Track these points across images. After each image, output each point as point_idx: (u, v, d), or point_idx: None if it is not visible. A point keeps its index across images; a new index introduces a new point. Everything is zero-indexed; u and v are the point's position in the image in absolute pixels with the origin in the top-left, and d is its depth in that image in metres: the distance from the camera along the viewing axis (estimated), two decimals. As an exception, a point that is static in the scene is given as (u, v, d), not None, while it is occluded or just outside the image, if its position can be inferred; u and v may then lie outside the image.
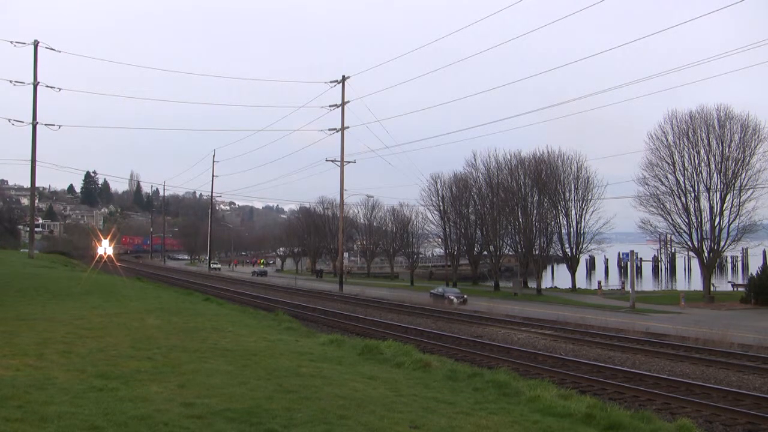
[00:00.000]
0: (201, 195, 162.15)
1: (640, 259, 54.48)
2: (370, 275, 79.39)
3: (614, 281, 67.93)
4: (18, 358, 9.52)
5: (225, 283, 54.53)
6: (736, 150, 38.69)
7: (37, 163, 46.58)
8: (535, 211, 51.08)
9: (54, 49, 46.19)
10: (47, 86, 46.49)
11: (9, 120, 46.38)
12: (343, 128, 47.28)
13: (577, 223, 52.26)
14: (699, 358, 17.95)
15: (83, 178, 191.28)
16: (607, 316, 29.64)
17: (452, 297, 39.28)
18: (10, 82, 46.37)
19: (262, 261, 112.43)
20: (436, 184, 59.48)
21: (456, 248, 59.23)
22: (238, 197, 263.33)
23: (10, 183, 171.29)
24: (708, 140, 39.30)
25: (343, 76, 47.05)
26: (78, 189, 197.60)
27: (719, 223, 39.08)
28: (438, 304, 37.62)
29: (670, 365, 17.11)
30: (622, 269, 74.60)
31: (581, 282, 64.44)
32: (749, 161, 38.64)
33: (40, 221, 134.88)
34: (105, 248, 58.52)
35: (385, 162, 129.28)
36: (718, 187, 39.01)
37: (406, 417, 7.61)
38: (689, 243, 40.31)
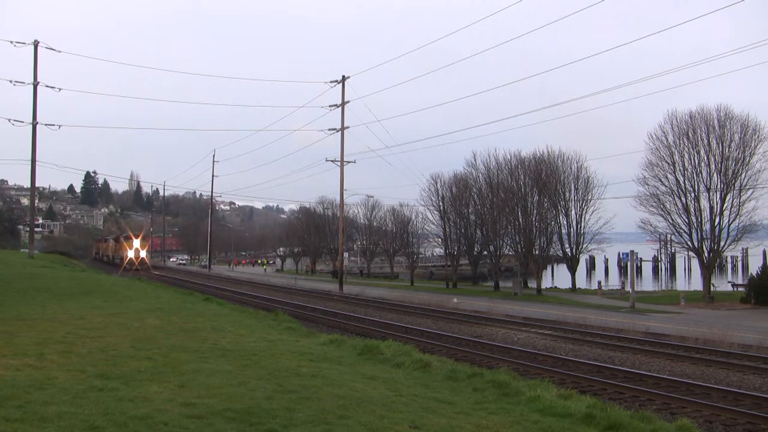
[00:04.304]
0: (201, 195, 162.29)
1: (640, 259, 54.61)
2: (370, 275, 79.37)
3: (614, 281, 67.87)
4: (18, 358, 9.53)
5: (225, 283, 54.50)
6: (736, 150, 38.63)
7: (37, 163, 46.65)
8: (535, 211, 51.01)
9: (54, 49, 46.30)
10: (47, 86, 46.59)
11: (9, 120, 46.48)
12: (343, 128, 47.28)
13: (577, 223, 52.22)
14: (699, 358, 17.93)
15: (83, 178, 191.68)
16: (607, 316, 29.62)
17: None
18: (10, 82, 46.48)
19: (261, 261, 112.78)
20: (436, 184, 59.43)
21: (456, 248, 59.17)
22: (238, 197, 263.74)
23: (10, 183, 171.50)
24: (708, 140, 39.24)
25: (343, 76, 47.04)
26: (78, 189, 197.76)
27: (719, 223, 39.02)
28: None
29: (670, 365, 17.10)
30: (622, 269, 74.58)
31: (581, 282, 64.39)
32: (749, 161, 38.57)
33: (40, 221, 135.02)
34: (137, 250, 50.89)
35: (385, 162, 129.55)
36: (718, 187, 38.95)
37: (406, 417, 7.61)
38: (689, 243, 40.26)
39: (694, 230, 39.84)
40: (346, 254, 63.51)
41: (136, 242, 50.60)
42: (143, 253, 50.83)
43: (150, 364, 9.59)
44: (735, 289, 46.48)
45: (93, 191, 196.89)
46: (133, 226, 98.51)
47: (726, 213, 38.94)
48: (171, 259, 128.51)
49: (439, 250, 75.88)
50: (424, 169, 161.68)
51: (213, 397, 7.67)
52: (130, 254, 49.80)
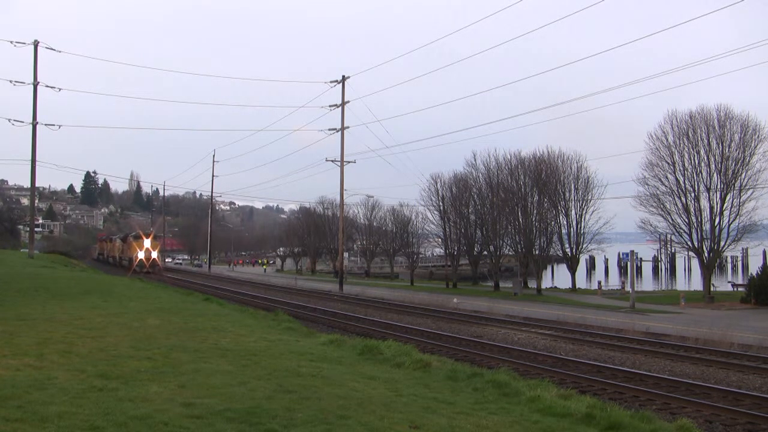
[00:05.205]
0: (201, 195, 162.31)
1: (640, 259, 54.49)
2: (370, 275, 79.38)
3: (614, 281, 67.90)
4: (18, 358, 9.53)
5: (225, 283, 54.47)
6: (736, 150, 38.65)
7: (37, 163, 46.59)
8: (535, 211, 51.02)
9: (54, 49, 46.26)
10: (47, 86, 46.54)
11: (9, 120, 46.43)
12: (343, 128, 47.29)
13: (577, 223, 52.26)
14: (699, 358, 17.93)
15: (83, 178, 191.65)
16: (607, 316, 29.63)
17: None
18: (10, 82, 46.45)
19: (261, 261, 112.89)
20: (436, 184, 59.43)
21: (456, 248, 59.17)
22: (238, 197, 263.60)
23: (10, 183, 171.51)
24: (708, 140, 39.26)
25: (343, 76, 47.05)
26: (78, 189, 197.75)
27: (719, 223, 39.04)
28: None
29: (670, 365, 17.10)
30: (622, 269, 74.63)
31: (581, 282, 64.40)
32: (749, 161, 38.60)
33: (40, 221, 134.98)
34: (148, 250, 46.12)
35: (385, 162, 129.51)
36: (718, 187, 38.98)
37: (406, 417, 7.61)
38: (689, 243, 40.28)
39: (694, 230, 39.86)
40: (346, 254, 63.50)
41: (147, 242, 46.68)
42: (155, 254, 47.40)
43: (150, 364, 9.58)
44: (735, 289, 46.49)
45: (93, 191, 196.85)
46: (136, 225, 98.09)
47: (726, 213, 38.97)
48: (167, 260, 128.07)
49: (439, 250, 75.91)
50: (424, 169, 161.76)
51: (213, 397, 7.67)
52: (140, 255, 46.08)
